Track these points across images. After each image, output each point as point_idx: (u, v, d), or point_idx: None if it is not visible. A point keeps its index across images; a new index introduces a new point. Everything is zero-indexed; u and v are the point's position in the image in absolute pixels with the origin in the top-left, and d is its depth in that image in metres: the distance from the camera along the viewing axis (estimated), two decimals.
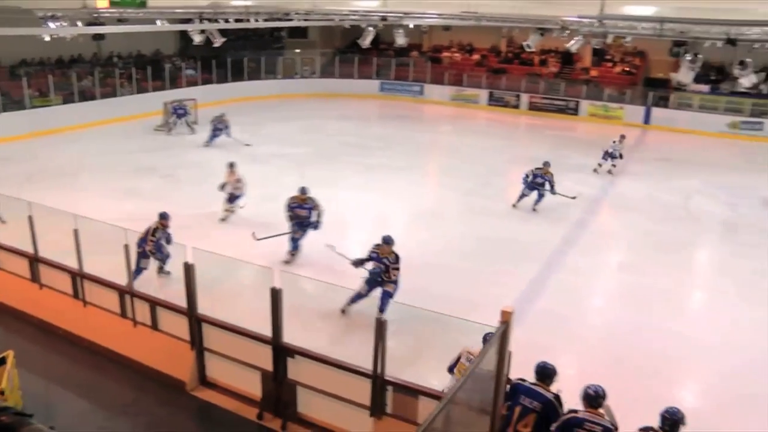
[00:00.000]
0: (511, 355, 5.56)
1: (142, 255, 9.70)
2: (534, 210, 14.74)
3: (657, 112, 27.55)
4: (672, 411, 5.15)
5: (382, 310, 8.82)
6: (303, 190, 10.92)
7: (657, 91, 28.05)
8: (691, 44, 17.95)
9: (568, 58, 30.57)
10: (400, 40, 24.32)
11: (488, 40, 32.49)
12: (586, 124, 27.89)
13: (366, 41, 24.39)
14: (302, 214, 10.84)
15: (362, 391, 6.52)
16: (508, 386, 5.60)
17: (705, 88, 27.79)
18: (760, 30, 16.14)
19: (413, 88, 31.65)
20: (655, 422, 5.17)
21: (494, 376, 5.34)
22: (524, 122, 28.38)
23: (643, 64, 30.57)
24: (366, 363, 6.41)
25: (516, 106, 29.88)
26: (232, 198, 13.08)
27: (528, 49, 23.07)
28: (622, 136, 18.99)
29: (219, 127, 19.92)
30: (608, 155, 18.37)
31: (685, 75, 18.29)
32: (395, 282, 9.12)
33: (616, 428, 5.28)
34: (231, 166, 13.37)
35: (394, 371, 6.52)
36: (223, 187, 13.09)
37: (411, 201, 15.18)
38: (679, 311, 10.54)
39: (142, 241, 9.70)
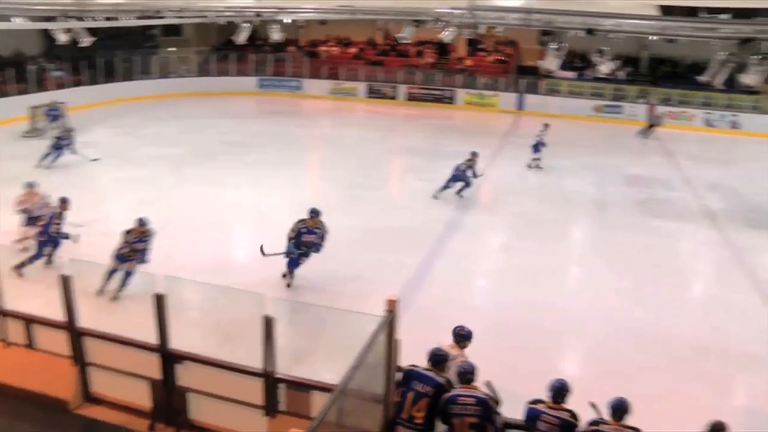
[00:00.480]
0: (399, 342, 5.72)
1: (44, 243, 10.06)
2: (460, 196, 15.14)
3: (530, 99, 28.80)
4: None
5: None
6: (142, 222, 9.72)
7: (528, 78, 29.28)
8: (557, 34, 18.82)
9: (443, 49, 31.29)
10: (276, 35, 24.14)
11: (365, 33, 32.74)
12: (462, 112, 28.72)
13: (241, 38, 24.03)
14: (140, 248, 9.66)
15: (254, 391, 6.50)
16: (401, 373, 5.74)
17: (572, 74, 29.28)
18: (613, 21, 17.22)
19: (291, 83, 31.48)
20: (544, 395, 5.42)
21: (384, 365, 5.49)
22: (403, 113, 28.85)
23: (515, 53, 31.75)
24: (256, 362, 6.39)
25: (393, 98, 30.34)
26: (33, 220, 11.01)
27: (403, 41, 23.46)
28: (546, 125, 19.45)
29: (62, 144, 16.76)
30: (542, 144, 18.62)
31: (551, 63, 19.24)
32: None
33: (497, 401, 5.52)
34: (30, 186, 11.42)
35: (285, 368, 6.53)
36: (24, 211, 11.16)
37: (294, 196, 15.11)
38: (558, 286, 11.10)
39: (47, 226, 10.02)
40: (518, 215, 14.54)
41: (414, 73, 30.67)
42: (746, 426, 6.79)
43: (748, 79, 17.05)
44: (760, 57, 16.53)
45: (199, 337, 7.83)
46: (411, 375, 5.69)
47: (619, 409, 5.21)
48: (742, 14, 19.71)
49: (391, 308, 5.21)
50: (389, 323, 5.23)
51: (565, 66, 25.74)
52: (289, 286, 10.17)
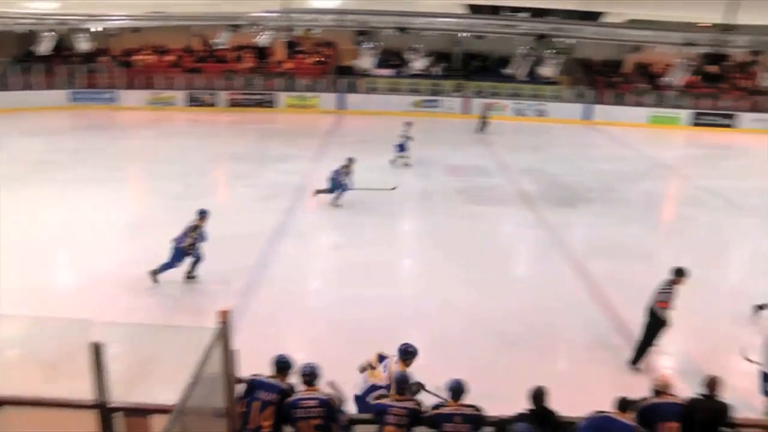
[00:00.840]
0: (237, 353, 5.67)
1: None
2: (338, 205, 15.08)
3: (350, 98, 29.44)
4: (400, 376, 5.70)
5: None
6: None
7: (348, 78, 29.87)
8: (372, 33, 19.37)
9: (262, 53, 31.15)
10: (84, 45, 22.89)
11: (181, 40, 31.83)
12: (285, 115, 28.79)
13: (43, 48, 22.51)
14: None
15: (88, 425, 6.14)
16: (245, 384, 5.69)
17: (389, 72, 30.24)
18: (425, 20, 18.05)
19: (106, 95, 29.86)
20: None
21: (223, 377, 5.42)
22: (225, 119, 28.35)
23: (333, 53, 32.25)
24: (89, 394, 6.08)
25: (213, 105, 29.80)
26: None
27: (220, 47, 23.11)
28: (408, 123, 19.93)
29: None
30: (409, 140, 19.32)
31: (366, 62, 19.78)
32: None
33: (341, 400, 5.64)
34: None
35: (120, 395, 6.27)
36: None
37: (117, 213, 14.42)
38: (392, 278, 11.50)
39: None
40: (346, 212, 14.80)
41: (234, 79, 30.29)
42: (570, 389, 7.41)
43: (545, 70, 18.66)
44: (554, 51, 18.13)
45: (22, 377, 7.33)
46: (254, 384, 5.64)
47: (457, 390, 5.52)
48: (537, 13, 21.59)
49: (224, 319, 5.17)
50: (223, 334, 5.19)
51: (382, 64, 26.60)
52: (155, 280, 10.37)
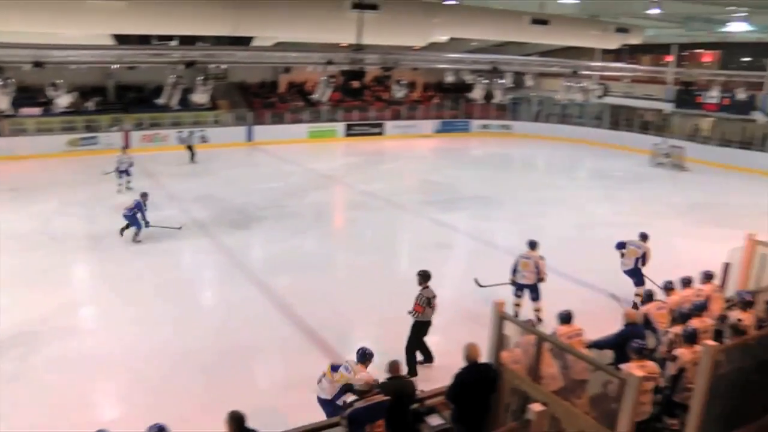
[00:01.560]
0: None
1: None
2: (138, 241, 15.11)
3: None
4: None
5: None
6: None
7: None
8: (3, 69, 17.58)
9: None
10: None
11: None
12: None
13: None
14: None
15: None
16: None
17: (37, 111, 27.68)
18: (65, 52, 16.94)
19: None
20: None
21: None
22: None
23: None
24: None
25: None
26: None
27: None
28: (124, 148, 21.11)
29: None
30: (128, 164, 20.21)
31: (1, 101, 17.65)
32: None
33: None
34: None
35: None
36: None
37: None
38: (81, 332, 10.77)
39: None
40: (8, 269, 13.06)
41: None
42: (271, 408, 7.65)
43: (197, 97, 18.88)
44: (204, 78, 18.45)
45: None
46: None
47: None
48: (187, 41, 21.67)
49: None
50: None
51: (26, 103, 24.52)
52: None
